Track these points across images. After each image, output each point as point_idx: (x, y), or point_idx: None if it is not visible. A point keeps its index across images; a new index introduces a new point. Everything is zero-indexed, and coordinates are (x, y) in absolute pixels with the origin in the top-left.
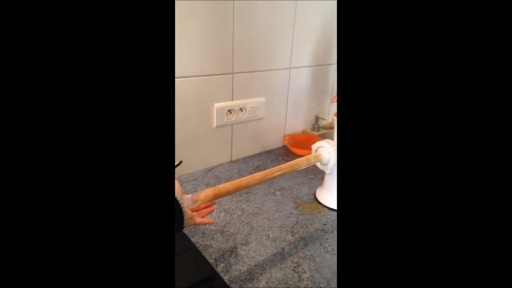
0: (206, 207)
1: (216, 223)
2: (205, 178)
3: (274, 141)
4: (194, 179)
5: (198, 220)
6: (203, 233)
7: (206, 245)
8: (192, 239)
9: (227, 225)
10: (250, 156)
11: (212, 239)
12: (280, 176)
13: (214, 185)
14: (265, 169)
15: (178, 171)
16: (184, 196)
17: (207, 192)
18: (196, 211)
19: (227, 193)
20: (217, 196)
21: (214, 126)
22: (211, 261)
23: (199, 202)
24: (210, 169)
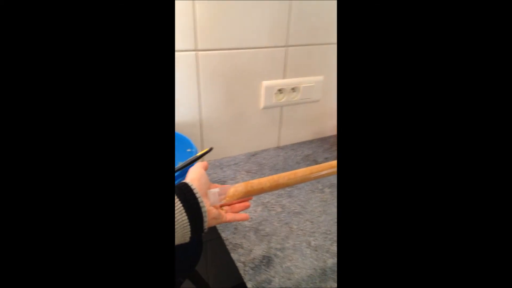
0: (241, 202)
1: (252, 218)
2: (247, 164)
3: (330, 128)
4: (235, 163)
5: (229, 216)
6: (236, 228)
7: (236, 243)
8: (223, 234)
9: (263, 222)
10: (299, 143)
11: (244, 238)
12: (330, 175)
13: (255, 173)
14: (315, 160)
15: (216, 155)
16: (210, 190)
17: (238, 188)
18: (228, 205)
19: (261, 191)
20: (249, 193)
21: (261, 107)
22: (239, 264)
23: (227, 198)
24: (254, 154)
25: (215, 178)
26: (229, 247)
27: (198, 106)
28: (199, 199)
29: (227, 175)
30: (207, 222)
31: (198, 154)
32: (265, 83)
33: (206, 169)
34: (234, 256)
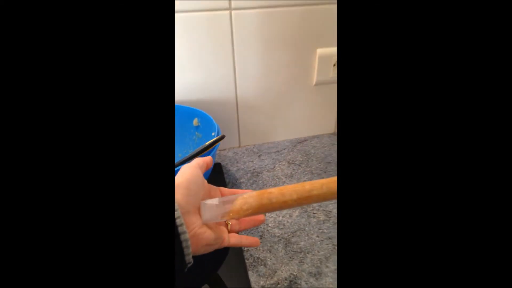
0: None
1: (284, 225)
2: (291, 152)
3: None
4: (277, 151)
5: (233, 239)
6: (261, 236)
7: (258, 258)
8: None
9: (298, 233)
10: None
11: (270, 251)
12: None
13: (299, 165)
14: None
15: (255, 139)
16: (205, 202)
17: (248, 200)
18: (236, 218)
19: (283, 206)
20: (264, 208)
21: (314, 83)
22: None
23: (231, 214)
24: (302, 141)
25: (250, 167)
26: (248, 261)
27: (233, 81)
28: (178, 220)
29: (264, 165)
30: (191, 255)
31: (207, 143)
32: (320, 51)
33: (207, 167)
34: (252, 275)
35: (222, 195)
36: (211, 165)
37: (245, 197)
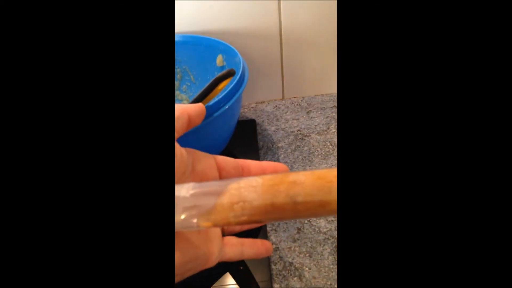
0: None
1: (335, 216)
2: None
3: None
4: (333, 107)
5: (230, 251)
6: (299, 230)
7: (291, 264)
8: (272, 237)
9: None
10: None
11: (310, 256)
12: None
13: None
14: None
15: (303, 90)
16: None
17: (247, 194)
18: (220, 227)
19: (317, 212)
20: (278, 213)
21: None
22: None
23: (213, 219)
24: None
25: (294, 127)
26: (276, 266)
27: (276, 5)
28: None
29: (314, 125)
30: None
31: (210, 82)
32: None
33: (192, 124)
34: None
35: (220, 171)
36: (199, 120)
37: (241, 186)
